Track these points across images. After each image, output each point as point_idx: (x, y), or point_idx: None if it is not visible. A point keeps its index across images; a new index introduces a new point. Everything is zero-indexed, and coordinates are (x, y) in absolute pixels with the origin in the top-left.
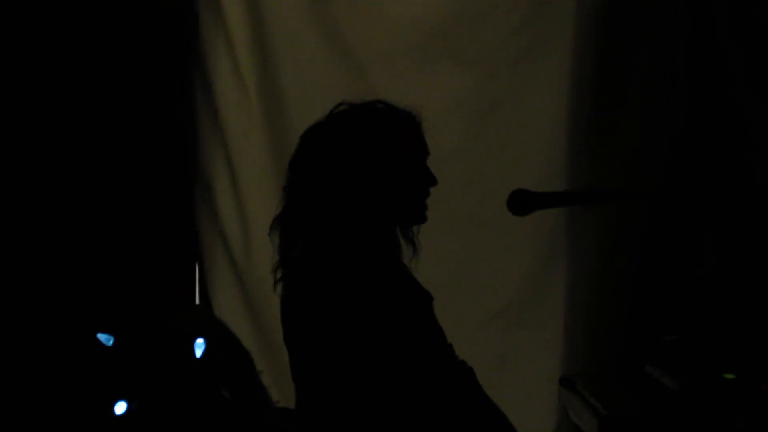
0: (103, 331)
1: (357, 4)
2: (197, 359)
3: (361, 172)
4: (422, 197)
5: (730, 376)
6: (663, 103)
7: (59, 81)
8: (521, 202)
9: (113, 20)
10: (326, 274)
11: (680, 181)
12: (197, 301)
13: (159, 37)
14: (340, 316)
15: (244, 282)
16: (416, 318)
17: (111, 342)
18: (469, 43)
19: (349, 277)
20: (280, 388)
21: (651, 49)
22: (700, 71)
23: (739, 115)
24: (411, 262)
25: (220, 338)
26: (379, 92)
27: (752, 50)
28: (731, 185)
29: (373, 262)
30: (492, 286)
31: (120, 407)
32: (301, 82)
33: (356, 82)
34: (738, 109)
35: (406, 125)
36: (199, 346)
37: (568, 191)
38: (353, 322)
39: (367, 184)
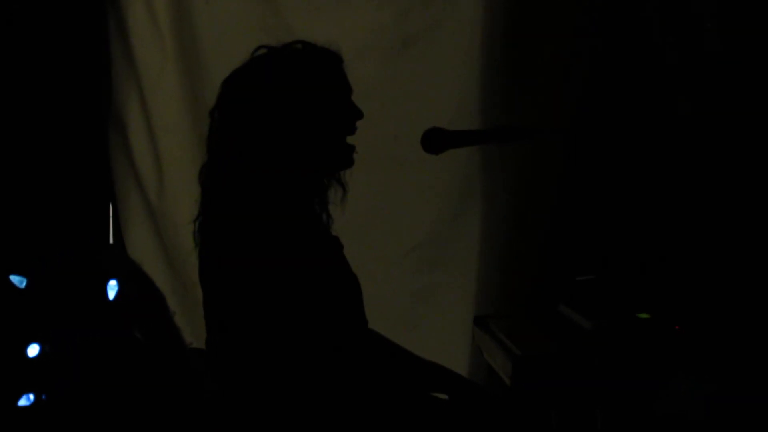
0: (15, 272)
1: None
2: (110, 301)
3: (284, 116)
4: (348, 133)
5: (644, 315)
6: (577, 40)
7: None
8: (435, 141)
9: None
10: (241, 222)
11: (593, 117)
12: (111, 241)
13: None
14: (250, 265)
15: (157, 222)
16: (319, 269)
17: (24, 284)
18: None
19: (261, 226)
20: (193, 329)
21: None
22: (615, 8)
23: (652, 47)
24: (340, 203)
25: (133, 279)
26: (293, 29)
27: None
28: (644, 120)
29: (288, 213)
30: (406, 224)
31: (33, 350)
32: (215, 21)
33: (270, 18)
34: (650, 42)
35: (325, 64)
36: (112, 288)
37: (482, 129)
38: (262, 272)
39: (290, 129)
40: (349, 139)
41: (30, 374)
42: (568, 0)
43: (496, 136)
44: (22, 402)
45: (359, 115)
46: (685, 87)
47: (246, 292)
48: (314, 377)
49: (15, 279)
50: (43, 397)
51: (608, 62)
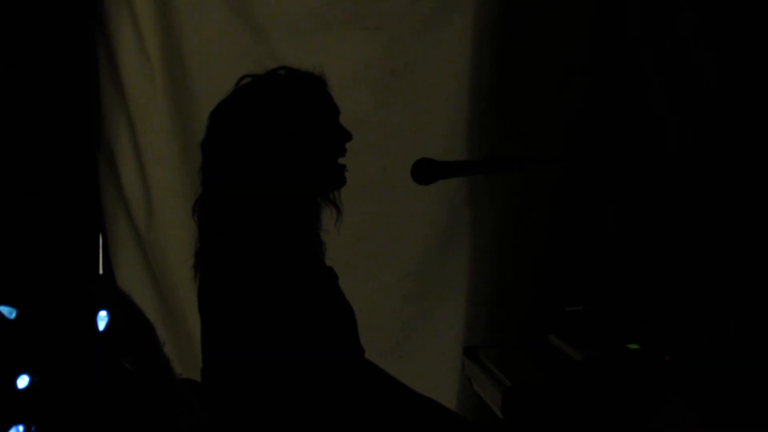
0: (5, 303)
1: None
2: (100, 332)
3: (274, 143)
4: (338, 155)
5: (633, 346)
6: (565, 70)
7: None
8: (426, 171)
9: None
10: (240, 254)
11: (583, 148)
12: (100, 271)
13: (59, 4)
14: (249, 299)
15: (146, 252)
16: (318, 301)
17: (13, 315)
18: (372, 10)
19: (260, 258)
20: (182, 360)
21: (553, 13)
22: (603, 36)
23: (643, 78)
24: (335, 225)
25: (124, 310)
26: (283, 59)
27: (652, 11)
28: (635, 152)
29: (285, 244)
30: (395, 253)
31: (22, 381)
32: (204, 50)
33: (260, 49)
34: (642, 74)
35: (310, 88)
36: (102, 319)
37: (472, 160)
38: (261, 304)
39: (281, 154)
40: (340, 162)
41: (19, 405)
42: (557, 30)
43: (485, 167)
44: None
45: (348, 136)
46: (673, 119)
47: (245, 324)
48: (309, 407)
49: (5, 310)
50: (33, 428)
51: (598, 91)
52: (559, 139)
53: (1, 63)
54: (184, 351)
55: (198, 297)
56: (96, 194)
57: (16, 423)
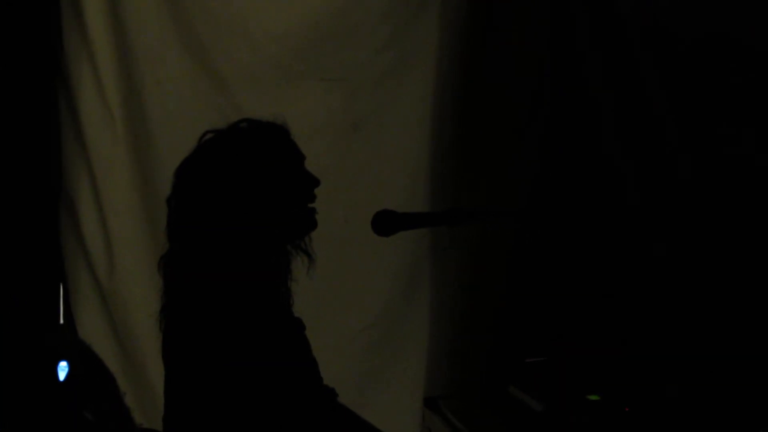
0: None
1: (221, 22)
2: (61, 382)
3: (241, 197)
4: (307, 201)
5: (594, 397)
6: (526, 122)
7: None
8: (385, 223)
9: None
10: (209, 311)
11: (544, 199)
12: (61, 322)
13: (22, 55)
14: (216, 352)
15: (107, 302)
16: (285, 354)
17: None
18: (333, 62)
19: (228, 314)
20: (143, 410)
21: (514, 68)
22: (563, 87)
23: (600, 128)
24: (308, 272)
25: (84, 360)
26: (244, 110)
27: (613, 62)
28: (596, 203)
29: (253, 298)
30: (355, 305)
31: None
32: (165, 101)
33: (222, 101)
34: (599, 123)
35: (273, 137)
36: (63, 369)
37: (432, 212)
38: (228, 357)
39: (249, 207)
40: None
41: None
42: (518, 80)
43: (446, 219)
44: None
45: (315, 182)
46: (630, 168)
47: (211, 376)
48: None
49: None
50: None
51: (558, 144)
52: (519, 191)
53: None
54: (144, 401)
55: (163, 348)
56: (57, 244)
57: None
